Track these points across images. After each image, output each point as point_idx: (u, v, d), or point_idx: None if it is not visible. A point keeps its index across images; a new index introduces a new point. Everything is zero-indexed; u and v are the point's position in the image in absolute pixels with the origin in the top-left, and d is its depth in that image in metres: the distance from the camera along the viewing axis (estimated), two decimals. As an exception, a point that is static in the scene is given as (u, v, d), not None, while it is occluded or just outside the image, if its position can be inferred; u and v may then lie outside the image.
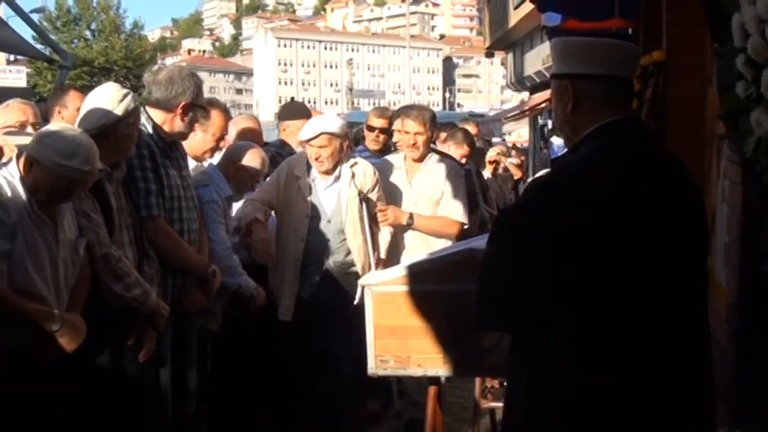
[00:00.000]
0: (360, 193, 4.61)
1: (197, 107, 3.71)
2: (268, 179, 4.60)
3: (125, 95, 3.28)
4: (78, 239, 3.05)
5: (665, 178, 2.10)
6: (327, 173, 4.57)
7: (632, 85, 2.22)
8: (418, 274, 3.18)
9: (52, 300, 2.90)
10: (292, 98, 6.93)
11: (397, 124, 5.11)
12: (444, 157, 5.28)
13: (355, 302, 3.53)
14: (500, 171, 8.24)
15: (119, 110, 3.25)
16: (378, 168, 4.86)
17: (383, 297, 3.16)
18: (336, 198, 4.59)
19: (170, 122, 3.65)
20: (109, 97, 3.27)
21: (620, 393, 2.01)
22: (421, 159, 4.95)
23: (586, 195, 2.02)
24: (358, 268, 4.54)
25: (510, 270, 2.11)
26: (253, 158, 4.23)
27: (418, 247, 4.77)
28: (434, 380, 3.33)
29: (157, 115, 3.64)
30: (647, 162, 2.10)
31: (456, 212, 4.88)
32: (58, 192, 2.88)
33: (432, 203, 4.90)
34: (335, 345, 4.47)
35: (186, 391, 3.78)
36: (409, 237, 4.89)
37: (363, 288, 3.22)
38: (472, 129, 7.60)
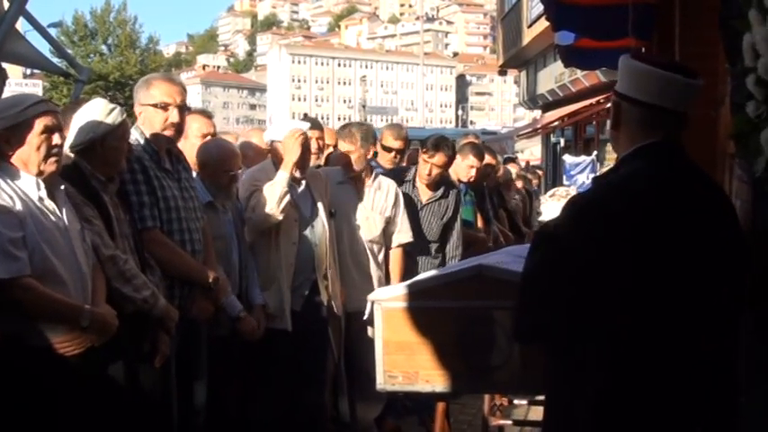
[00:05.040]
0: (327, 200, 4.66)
1: (149, 106, 3.69)
2: (245, 193, 4.42)
3: (112, 109, 3.35)
4: (83, 231, 3.07)
5: (700, 198, 2.17)
6: (297, 180, 4.47)
7: (677, 115, 2.23)
8: (427, 291, 3.19)
9: (75, 285, 2.92)
10: (305, 114, 6.88)
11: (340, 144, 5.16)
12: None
13: (365, 318, 3.53)
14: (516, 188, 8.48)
15: (106, 123, 3.30)
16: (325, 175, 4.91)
17: (392, 313, 3.17)
18: (313, 204, 4.56)
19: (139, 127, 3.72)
20: (96, 111, 3.33)
21: (649, 409, 2.09)
22: (363, 176, 5.00)
23: (624, 214, 2.10)
24: (330, 281, 4.56)
25: (548, 284, 2.18)
26: (207, 151, 4.13)
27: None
28: (443, 396, 3.33)
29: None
30: (684, 183, 2.18)
31: (405, 236, 5.07)
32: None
33: (382, 219, 4.97)
34: (319, 359, 4.50)
35: (193, 404, 3.78)
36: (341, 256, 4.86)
37: (373, 304, 3.23)
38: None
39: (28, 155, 2.90)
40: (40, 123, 2.91)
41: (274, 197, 4.22)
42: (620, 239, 2.08)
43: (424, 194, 5.41)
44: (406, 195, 5.24)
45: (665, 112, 2.20)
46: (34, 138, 2.90)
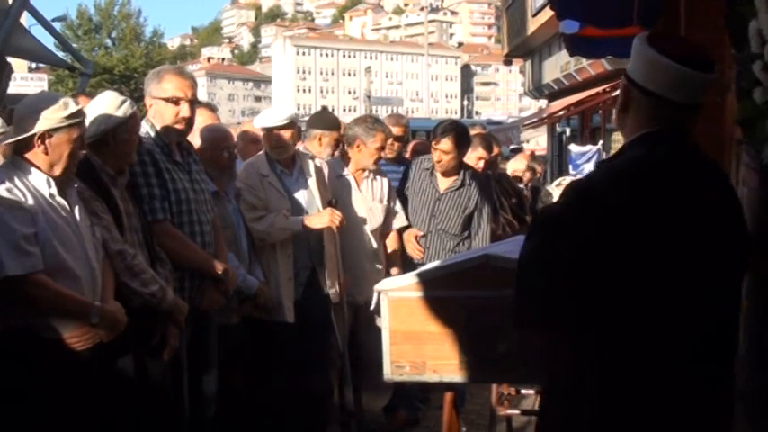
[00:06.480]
0: (325, 189, 4.71)
1: (162, 100, 3.70)
2: (240, 186, 4.48)
3: (123, 102, 3.37)
4: (93, 227, 3.10)
5: (704, 186, 2.13)
6: (288, 165, 4.58)
7: (685, 108, 2.16)
8: (434, 280, 3.18)
9: (87, 280, 2.96)
10: (324, 107, 6.83)
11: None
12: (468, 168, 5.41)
13: (371, 308, 3.54)
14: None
15: (117, 116, 3.32)
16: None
17: (399, 303, 3.17)
18: (307, 191, 4.60)
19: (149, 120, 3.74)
20: (107, 104, 3.35)
21: (650, 399, 2.05)
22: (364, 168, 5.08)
23: (625, 200, 2.05)
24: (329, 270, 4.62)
25: (547, 269, 2.13)
26: (201, 137, 4.22)
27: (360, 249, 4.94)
28: (451, 386, 3.33)
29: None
30: (689, 172, 2.13)
31: (400, 220, 5.20)
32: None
33: (383, 207, 5.07)
34: (321, 347, 4.57)
35: (204, 395, 3.79)
36: (350, 240, 4.88)
37: (379, 294, 3.23)
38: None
39: (58, 158, 2.96)
40: (77, 133, 2.98)
41: (279, 234, 4.44)
42: (619, 226, 2.03)
43: (443, 184, 5.24)
44: (425, 184, 5.26)
45: (676, 105, 2.13)
46: (70, 144, 2.97)
